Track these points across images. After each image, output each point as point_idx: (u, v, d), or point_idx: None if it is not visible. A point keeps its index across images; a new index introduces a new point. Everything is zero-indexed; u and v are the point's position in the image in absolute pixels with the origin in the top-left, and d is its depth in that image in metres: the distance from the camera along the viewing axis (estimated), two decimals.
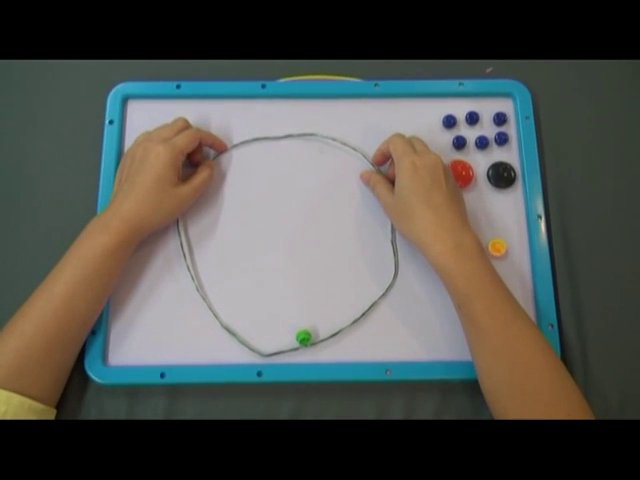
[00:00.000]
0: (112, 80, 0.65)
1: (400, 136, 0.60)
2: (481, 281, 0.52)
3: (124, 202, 0.55)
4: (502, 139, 0.64)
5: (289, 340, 0.57)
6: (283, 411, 0.56)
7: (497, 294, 0.52)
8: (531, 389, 0.49)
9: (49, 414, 0.52)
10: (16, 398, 0.49)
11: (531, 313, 0.58)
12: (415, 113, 0.65)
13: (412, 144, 0.59)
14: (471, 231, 0.54)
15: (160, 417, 0.55)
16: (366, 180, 0.61)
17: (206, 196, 0.61)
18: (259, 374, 0.56)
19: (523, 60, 0.66)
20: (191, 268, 0.59)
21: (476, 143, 0.64)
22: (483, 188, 0.63)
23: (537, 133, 0.64)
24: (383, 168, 0.62)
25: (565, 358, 0.57)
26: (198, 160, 0.61)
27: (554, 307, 0.58)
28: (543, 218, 0.61)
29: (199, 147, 0.61)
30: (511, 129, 0.64)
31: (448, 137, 0.64)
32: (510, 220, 0.61)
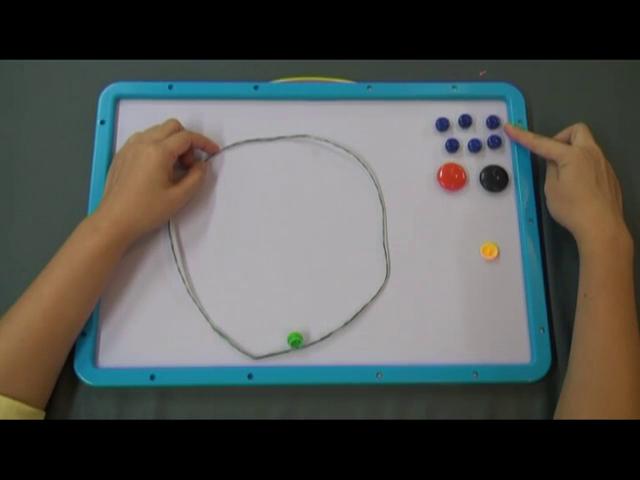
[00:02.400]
0: (104, 80, 0.65)
1: (583, 127, 0.60)
2: (617, 281, 0.52)
3: (114, 204, 0.54)
4: (495, 142, 0.64)
5: (280, 342, 0.57)
6: (274, 414, 0.56)
7: (625, 302, 0.52)
8: (615, 400, 0.50)
9: (38, 416, 0.52)
10: (4, 401, 0.48)
11: (522, 316, 0.58)
12: (408, 116, 0.65)
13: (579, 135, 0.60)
14: (627, 231, 0.54)
15: (150, 419, 0.55)
16: (542, 149, 0.60)
17: (197, 198, 0.61)
18: (250, 376, 0.55)
19: (516, 62, 0.67)
20: (182, 270, 0.58)
21: (469, 146, 0.64)
22: (475, 191, 0.63)
23: None
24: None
25: (555, 362, 0.57)
26: (190, 162, 0.61)
27: (545, 310, 0.58)
28: (535, 221, 0.61)
29: (191, 149, 0.60)
30: (504, 132, 0.64)
31: (441, 140, 0.64)
32: (502, 223, 0.61)
